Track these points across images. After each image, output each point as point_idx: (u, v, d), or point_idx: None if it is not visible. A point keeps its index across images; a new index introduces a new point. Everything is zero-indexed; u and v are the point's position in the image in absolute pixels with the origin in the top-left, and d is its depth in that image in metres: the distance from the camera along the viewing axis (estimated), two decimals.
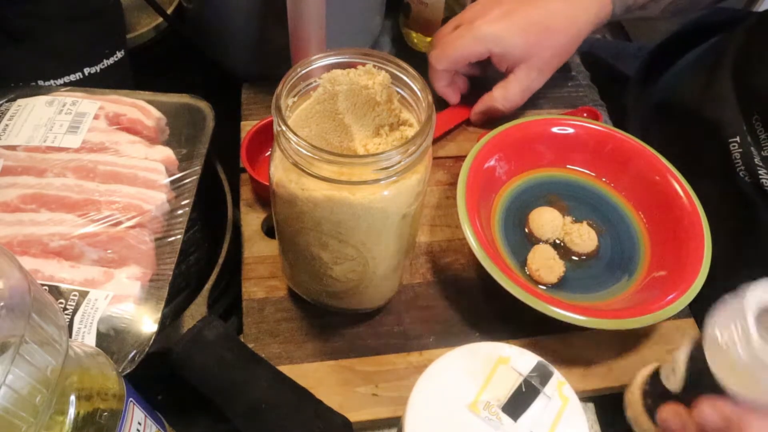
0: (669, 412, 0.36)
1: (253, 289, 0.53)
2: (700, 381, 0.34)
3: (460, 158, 0.57)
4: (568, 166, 0.61)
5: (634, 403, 0.40)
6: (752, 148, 0.57)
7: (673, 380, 0.37)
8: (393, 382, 0.49)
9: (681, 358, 0.36)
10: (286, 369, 0.45)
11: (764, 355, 0.31)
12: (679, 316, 0.51)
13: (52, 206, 0.44)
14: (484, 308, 0.53)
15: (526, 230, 0.57)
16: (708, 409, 0.33)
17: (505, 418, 0.34)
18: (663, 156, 0.57)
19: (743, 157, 0.57)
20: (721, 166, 0.59)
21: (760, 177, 0.56)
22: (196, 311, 0.46)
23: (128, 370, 0.38)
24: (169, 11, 0.69)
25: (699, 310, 0.52)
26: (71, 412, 0.28)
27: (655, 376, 0.39)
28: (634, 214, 0.58)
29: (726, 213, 0.58)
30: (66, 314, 0.39)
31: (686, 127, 0.66)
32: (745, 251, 0.58)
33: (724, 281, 0.39)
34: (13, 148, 0.47)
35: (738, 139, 0.58)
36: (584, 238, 0.56)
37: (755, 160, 0.57)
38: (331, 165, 0.37)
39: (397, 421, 0.38)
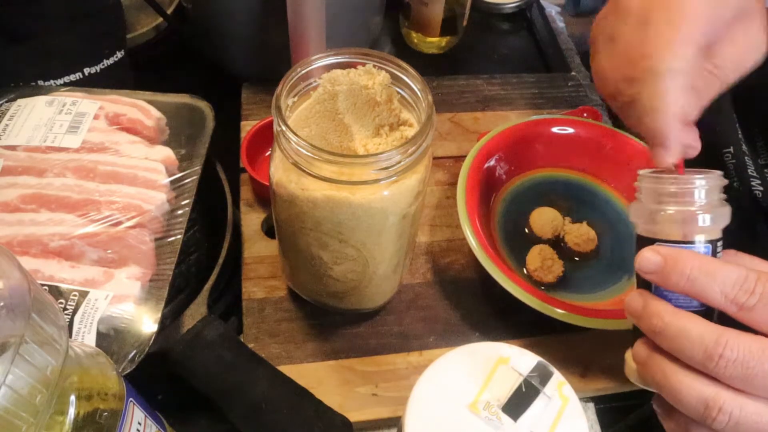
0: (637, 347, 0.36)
1: (253, 289, 0.53)
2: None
3: (460, 158, 0.57)
4: (568, 166, 0.61)
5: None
6: (746, 158, 0.57)
7: None
8: (393, 382, 0.49)
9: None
10: (286, 369, 0.45)
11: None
12: None
13: (52, 206, 0.44)
14: (484, 308, 0.53)
15: (526, 230, 0.57)
16: (647, 252, 0.35)
17: (505, 418, 0.34)
18: None
19: (737, 167, 0.57)
20: None
21: (753, 188, 0.56)
22: (196, 311, 0.46)
23: (128, 370, 0.38)
24: (169, 11, 0.69)
25: None
26: (71, 412, 0.28)
27: None
28: None
29: None
30: (66, 314, 0.39)
31: None
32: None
33: None
34: (13, 148, 0.47)
35: (732, 149, 0.58)
36: (584, 238, 0.56)
37: (749, 170, 0.56)
38: (331, 165, 0.37)
39: (397, 421, 0.38)
